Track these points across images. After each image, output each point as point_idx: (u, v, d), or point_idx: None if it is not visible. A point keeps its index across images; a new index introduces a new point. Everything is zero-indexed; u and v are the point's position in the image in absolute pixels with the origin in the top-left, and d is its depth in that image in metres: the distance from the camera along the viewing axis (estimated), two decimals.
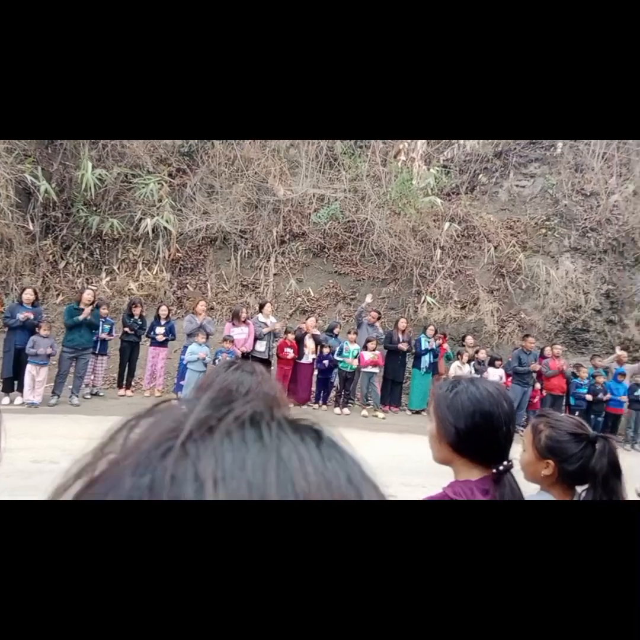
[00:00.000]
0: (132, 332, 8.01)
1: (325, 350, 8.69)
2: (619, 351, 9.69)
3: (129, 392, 8.06)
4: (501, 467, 1.13)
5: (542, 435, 1.42)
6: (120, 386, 8.07)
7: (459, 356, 9.12)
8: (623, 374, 9.18)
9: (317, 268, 10.60)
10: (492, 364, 9.19)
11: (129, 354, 8.06)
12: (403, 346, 8.96)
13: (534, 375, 9.08)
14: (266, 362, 8.40)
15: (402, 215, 11.01)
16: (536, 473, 1.43)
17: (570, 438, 1.39)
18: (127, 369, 8.09)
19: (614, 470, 1.34)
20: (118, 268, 9.93)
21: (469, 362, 9.11)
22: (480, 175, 12.40)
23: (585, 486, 1.36)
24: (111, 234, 9.86)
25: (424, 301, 10.31)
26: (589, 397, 8.98)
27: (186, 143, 10.92)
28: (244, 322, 8.34)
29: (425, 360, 9.05)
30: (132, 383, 8.23)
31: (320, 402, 8.69)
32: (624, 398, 9.05)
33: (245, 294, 10.19)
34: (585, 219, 11.75)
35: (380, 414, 8.54)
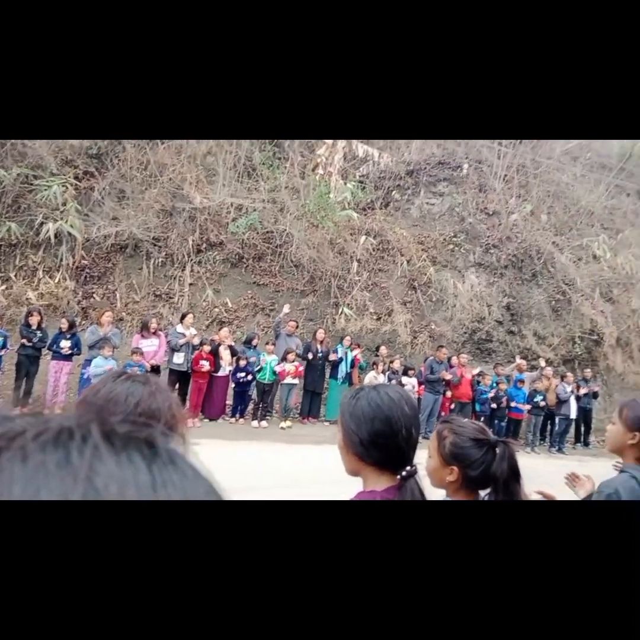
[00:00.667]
0: (30, 344, 7.37)
1: (242, 363, 8.55)
2: (518, 360, 10.47)
3: (25, 411, 7.38)
4: (404, 473, 1.13)
5: (446, 442, 1.44)
6: (16, 404, 7.36)
7: (374, 366, 9.38)
8: (522, 381, 9.92)
9: (235, 278, 10.44)
10: (405, 373, 9.55)
11: (27, 369, 7.41)
12: (335, 357, 9.02)
13: (444, 383, 9.56)
14: (185, 375, 8.12)
15: (320, 228, 11.18)
16: (442, 479, 1.44)
17: (473, 444, 1.41)
18: (24, 385, 7.42)
19: (514, 474, 1.38)
20: (15, 275, 9.14)
21: (383, 372, 9.40)
22: (394, 192, 12.95)
23: (487, 491, 1.40)
24: (8, 239, 9.07)
25: (341, 312, 10.51)
26: (493, 406, 9.59)
27: (94, 144, 10.35)
28: (154, 333, 7.99)
29: (342, 370, 9.21)
30: (30, 400, 7.56)
31: (237, 415, 8.52)
32: (526, 406, 9.72)
33: (159, 305, 9.79)
34: (488, 236, 12.65)
35: (283, 423, 8.53)
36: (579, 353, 11.94)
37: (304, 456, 7.09)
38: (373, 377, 9.19)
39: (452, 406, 9.58)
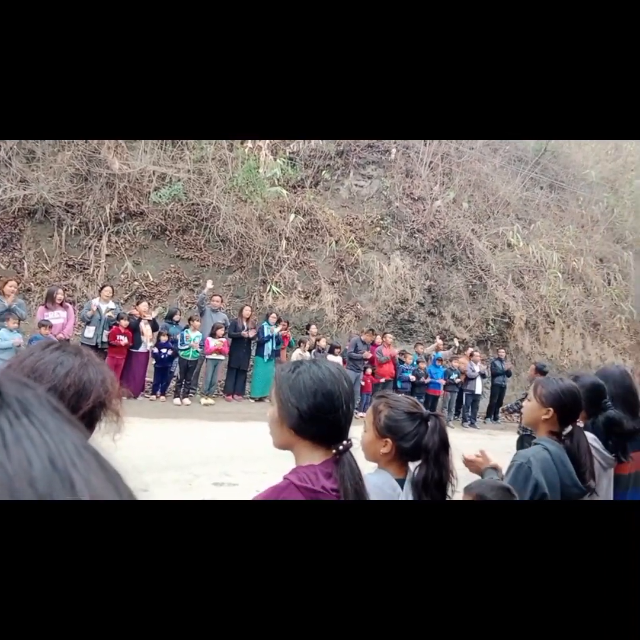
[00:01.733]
0: None
1: (163, 338, 8.25)
2: (437, 340, 10.98)
3: None
4: (341, 447, 1.14)
5: (381, 416, 1.48)
6: None
7: (301, 344, 9.44)
8: (440, 360, 10.43)
9: (157, 251, 9.98)
10: (331, 351, 9.69)
11: None
12: (247, 333, 8.93)
13: (366, 362, 9.83)
14: (97, 350, 7.68)
15: (248, 203, 10.94)
16: (376, 452, 1.48)
17: (406, 417, 1.47)
18: None
19: (444, 446, 1.44)
20: None
21: (310, 350, 9.48)
22: (324, 172, 12.93)
23: (418, 462, 1.46)
24: None
25: (269, 290, 10.41)
26: (412, 378, 10.02)
27: None
28: (61, 305, 7.46)
29: (268, 347, 9.16)
30: None
31: (159, 392, 8.23)
32: (442, 381, 10.29)
33: (71, 275, 9.15)
34: (413, 221, 13.03)
35: (206, 400, 8.39)
36: (492, 334, 12.73)
37: (228, 433, 7.01)
38: (299, 355, 9.25)
39: (383, 380, 9.84)
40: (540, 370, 6.54)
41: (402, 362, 10.18)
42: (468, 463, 2.01)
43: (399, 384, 10.06)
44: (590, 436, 2.08)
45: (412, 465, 1.49)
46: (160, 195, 9.97)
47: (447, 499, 1.45)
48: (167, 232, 10.13)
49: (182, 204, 10.26)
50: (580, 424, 2.04)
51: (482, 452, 2.02)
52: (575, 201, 16.77)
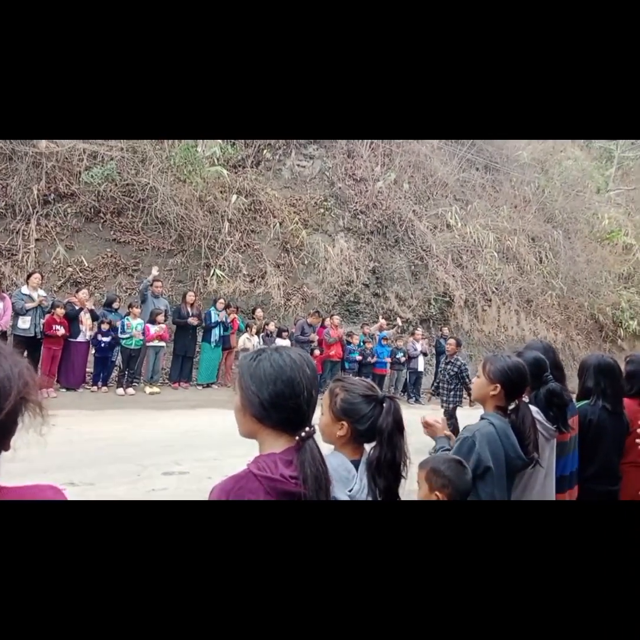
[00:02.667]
0: None
1: (105, 327, 7.88)
2: (381, 320, 11.20)
3: None
4: (303, 434, 1.14)
5: (337, 399, 1.49)
6: None
7: (248, 328, 9.32)
8: (386, 338, 10.66)
9: (91, 234, 9.44)
10: (279, 335, 9.65)
11: None
12: (193, 321, 8.70)
13: (313, 344, 9.88)
14: (33, 341, 7.23)
15: (187, 183, 10.55)
16: (332, 434, 1.50)
17: (362, 400, 1.48)
18: None
19: (398, 427, 1.46)
20: None
21: (257, 333, 9.38)
22: (265, 151, 12.67)
23: (373, 444, 1.47)
24: None
25: (213, 274, 10.16)
26: (359, 358, 10.19)
27: None
28: None
29: (215, 333, 8.98)
30: None
31: (100, 383, 7.88)
32: (388, 360, 10.53)
33: None
34: (356, 202, 13.09)
35: (151, 389, 8.16)
36: (434, 313, 13.13)
37: (176, 421, 6.85)
38: (246, 340, 9.14)
39: (320, 362, 9.91)
40: (459, 344, 7.44)
41: (349, 342, 10.30)
42: (427, 425, 2.08)
43: (346, 365, 10.20)
44: (533, 409, 2.15)
45: (368, 446, 1.51)
46: (92, 175, 9.41)
47: (402, 479, 1.48)
48: (101, 215, 9.60)
49: (116, 185, 9.73)
50: (526, 399, 2.12)
51: (443, 419, 2.11)
52: (508, 182, 17.44)
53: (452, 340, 7.41)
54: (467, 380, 6.84)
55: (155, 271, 8.55)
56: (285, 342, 9.44)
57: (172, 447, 5.74)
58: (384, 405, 1.47)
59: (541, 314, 15.39)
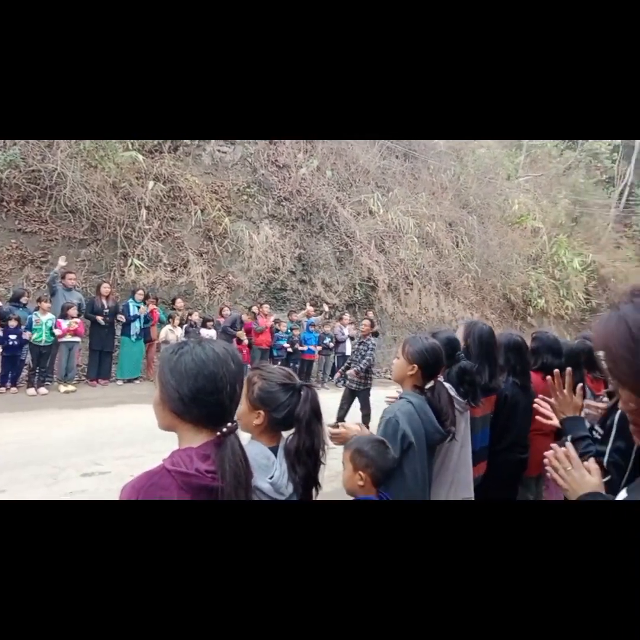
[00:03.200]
0: None
1: (12, 324, 7.34)
2: (308, 307, 11.29)
3: None
4: (225, 429, 1.12)
5: (255, 387, 1.47)
6: None
7: (171, 320, 9.04)
8: (313, 325, 10.76)
9: None
10: (204, 325, 9.45)
11: None
12: (100, 320, 8.21)
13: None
14: None
15: (99, 169, 9.97)
16: (249, 423, 1.47)
17: (280, 388, 1.47)
18: None
19: (316, 415, 1.47)
20: None
21: (181, 325, 9.13)
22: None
23: (291, 432, 1.48)
24: None
25: (131, 264, 9.72)
26: (287, 346, 10.22)
27: None
28: None
29: (136, 326, 8.63)
30: None
31: (9, 384, 7.35)
32: (316, 347, 10.64)
33: None
34: (280, 189, 13.01)
35: (65, 388, 7.74)
36: (359, 298, 13.42)
37: (95, 420, 6.54)
38: (169, 331, 8.87)
39: (248, 352, 9.86)
40: (373, 325, 7.64)
41: (277, 330, 10.30)
42: (333, 438, 2.06)
43: (274, 352, 10.20)
44: (446, 385, 2.26)
45: (286, 434, 1.51)
46: None
47: (321, 465, 1.50)
48: (5, 203, 8.86)
49: (20, 171, 9.01)
50: (441, 378, 2.22)
51: (340, 424, 2.11)
52: (426, 169, 18.04)
53: (366, 321, 7.41)
54: (369, 359, 6.94)
55: (62, 262, 7.98)
56: (211, 332, 9.27)
57: (90, 447, 5.48)
58: (302, 393, 1.47)
59: (459, 295, 16.18)
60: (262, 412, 1.46)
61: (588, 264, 20.41)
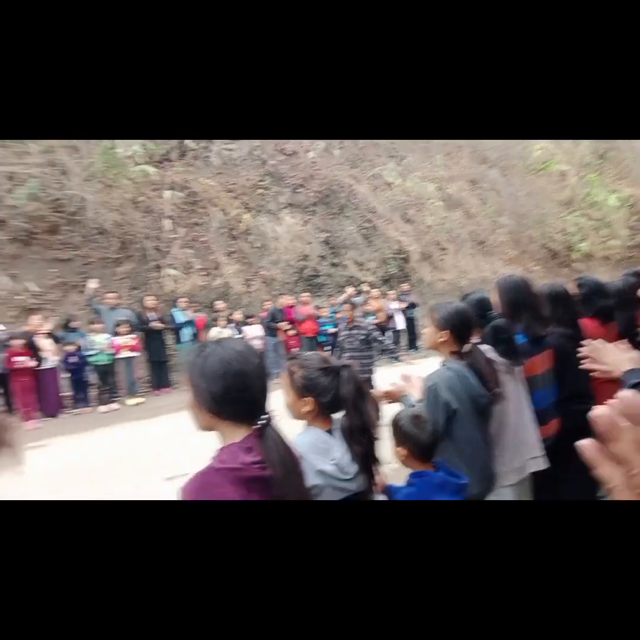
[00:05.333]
0: None
1: (71, 348, 8.05)
2: (348, 289, 11.77)
3: None
4: (262, 421, 1.20)
5: (296, 376, 1.61)
6: None
7: (215, 322, 9.66)
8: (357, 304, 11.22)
9: (31, 258, 9.45)
10: (245, 322, 10.04)
11: None
12: (156, 325, 8.95)
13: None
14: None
15: (116, 187, 10.69)
16: (300, 411, 1.62)
17: (320, 373, 1.59)
18: None
19: (359, 393, 1.58)
20: None
21: (226, 325, 9.75)
22: (187, 140, 12.87)
23: (342, 413, 1.61)
24: None
25: (166, 274, 10.40)
26: (332, 330, 10.73)
27: None
28: None
29: (186, 333, 9.29)
30: None
31: (82, 404, 8.07)
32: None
33: None
34: (293, 177, 13.55)
35: (133, 400, 8.43)
36: (394, 272, 13.87)
37: (167, 426, 7.04)
38: (217, 333, 9.47)
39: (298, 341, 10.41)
40: (355, 306, 6.59)
41: (319, 317, 10.82)
42: (385, 396, 2.22)
43: (322, 338, 10.72)
44: (485, 347, 2.29)
45: (336, 416, 1.65)
46: (16, 197, 9.41)
47: (375, 441, 1.61)
48: (36, 236, 9.63)
49: (43, 202, 9.77)
50: (476, 340, 2.27)
51: (394, 383, 2.27)
52: None
53: (346, 306, 6.40)
54: (377, 342, 6.24)
55: (91, 284, 8.60)
56: (256, 328, 9.86)
57: (168, 452, 5.79)
58: (342, 374, 1.59)
59: (496, 252, 16.47)
60: (309, 398, 1.59)
61: (626, 199, 20.40)
